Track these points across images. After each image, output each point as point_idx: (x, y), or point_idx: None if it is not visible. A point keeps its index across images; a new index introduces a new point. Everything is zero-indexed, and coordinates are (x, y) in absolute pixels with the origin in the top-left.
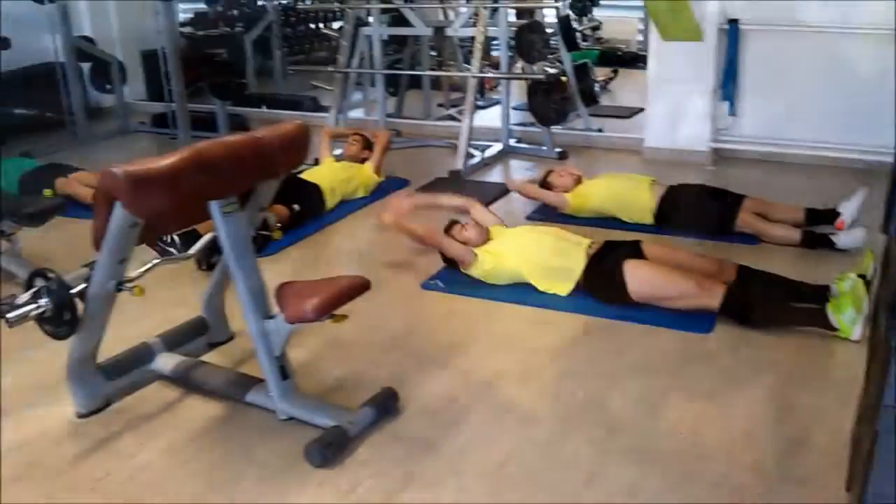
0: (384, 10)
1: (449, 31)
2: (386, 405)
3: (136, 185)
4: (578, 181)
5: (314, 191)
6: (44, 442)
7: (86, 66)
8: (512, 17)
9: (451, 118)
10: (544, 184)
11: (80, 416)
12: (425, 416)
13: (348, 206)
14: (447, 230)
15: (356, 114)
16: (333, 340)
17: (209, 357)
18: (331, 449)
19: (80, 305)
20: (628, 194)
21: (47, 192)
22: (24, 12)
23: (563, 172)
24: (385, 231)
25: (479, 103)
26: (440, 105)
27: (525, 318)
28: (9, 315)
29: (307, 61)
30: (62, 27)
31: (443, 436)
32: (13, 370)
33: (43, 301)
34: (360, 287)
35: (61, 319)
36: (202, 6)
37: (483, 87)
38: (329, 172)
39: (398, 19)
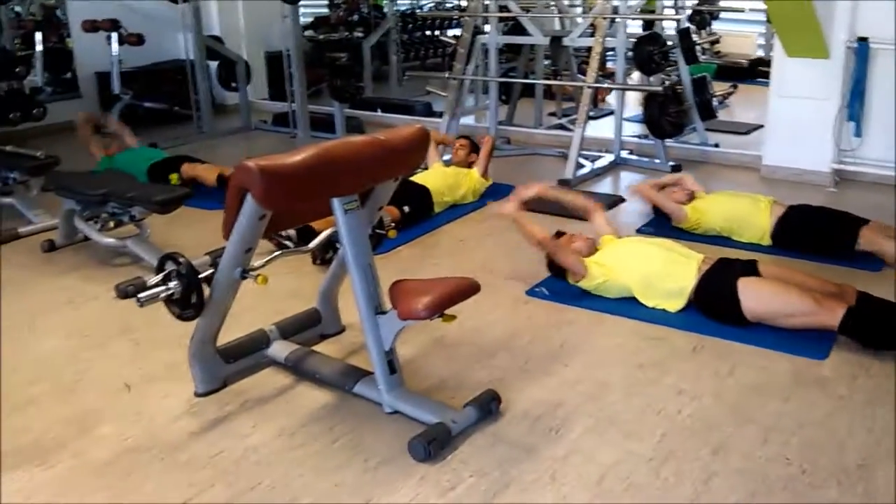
0: (502, 19)
1: (566, 41)
2: (488, 407)
3: (267, 178)
4: (692, 198)
5: (424, 194)
6: (164, 417)
7: (213, 64)
8: (631, 29)
9: (562, 127)
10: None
11: (199, 395)
12: (527, 420)
13: (457, 210)
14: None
15: (467, 120)
16: (438, 340)
17: (320, 347)
18: (434, 445)
19: (205, 290)
20: (747, 214)
21: (173, 176)
22: (159, 11)
23: (677, 188)
24: (494, 234)
25: (591, 113)
26: (551, 114)
27: (632, 331)
28: (140, 295)
29: (421, 67)
30: (194, 26)
31: (544, 442)
32: (141, 348)
33: (172, 284)
34: (470, 289)
35: (188, 302)
36: (324, 10)
37: (596, 98)
38: (439, 177)
39: (515, 27)
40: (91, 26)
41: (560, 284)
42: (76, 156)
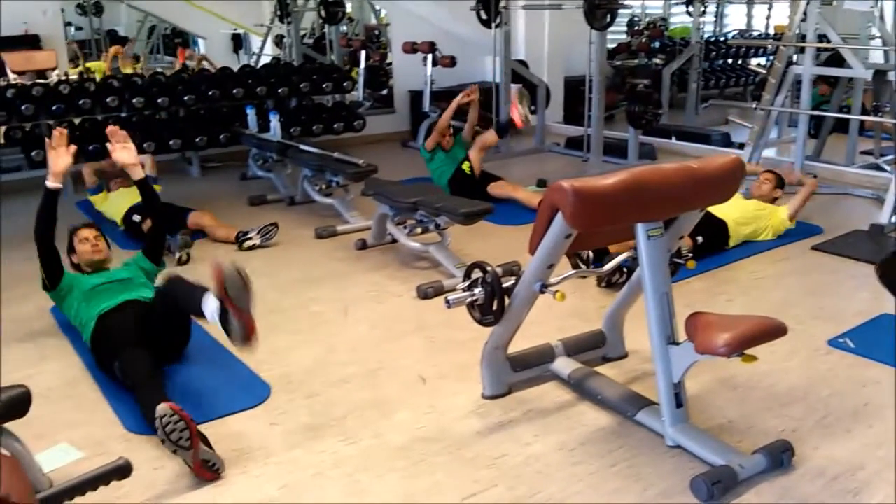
0: (820, 49)
1: (892, 76)
2: (780, 457)
3: (580, 199)
4: None
5: (720, 226)
6: (454, 413)
7: (515, 87)
8: None
9: (878, 167)
10: None
11: (486, 397)
12: (822, 479)
13: (753, 246)
14: None
15: (769, 152)
16: (726, 380)
17: (602, 370)
18: (718, 487)
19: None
20: None
21: (465, 164)
22: (470, 36)
23: None
24: (795, 274)
25: None
26: (865, 152)
27: None
28: (450, 298)
29: (720, 95)
30: (503, 51)
31: None
32: (436, 346)
33: (477, 291)
34: (776, 330)
35: (490, 309)
36: (623, 37)
37: None
38: (738, 210)
39: (831, 58)
40: (410, 48)
41: (867, 337)
42: (387, 165)
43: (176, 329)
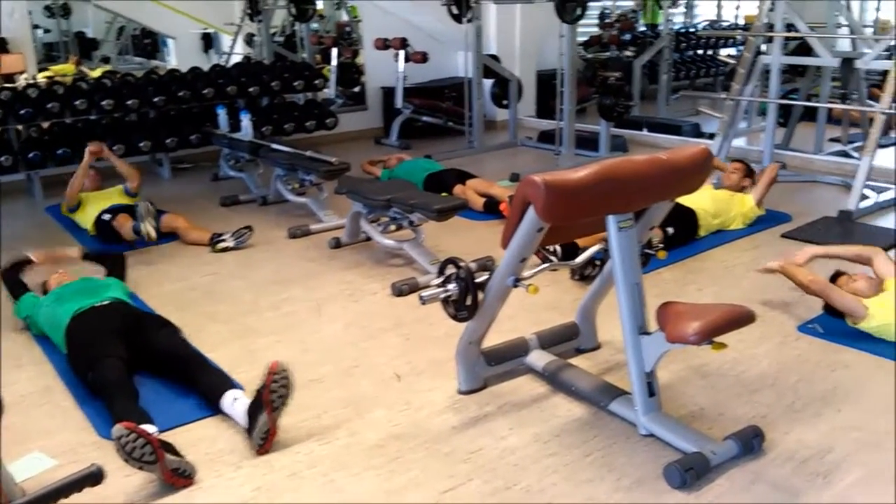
0: (788, 39)
1: (858, 63)
2: (751, 443)
3: (551, 193)
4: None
5: (690, 216)
6: (429, 409)
7: (487, 82)
8: None
9: (845, 154)
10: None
11: (461, 392)
12: (791, 463)
13: (723, 235)
14: (834, 280)
15: (739, 142)
16: (697, 368)
17: (575, 361)
18: (691, 474)
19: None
20: None
21: (444, 195)
22: (442, 31)
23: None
24: (765, 262)
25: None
26: (832, 140)
27: None
28: (423, 294)
29: (690, 86)
30: (475, 45)
31: (808, 487)
32: (411, 343)
33: (451, 286)
34: (744, 317)
35: (464, 304)
36: (596, 29)
37: (889, 125)
38: (708, 199)
39: (799, 47)
40: (382, 44)
41: (836, 323)
42: (360, 163)
43: (170, 369)
